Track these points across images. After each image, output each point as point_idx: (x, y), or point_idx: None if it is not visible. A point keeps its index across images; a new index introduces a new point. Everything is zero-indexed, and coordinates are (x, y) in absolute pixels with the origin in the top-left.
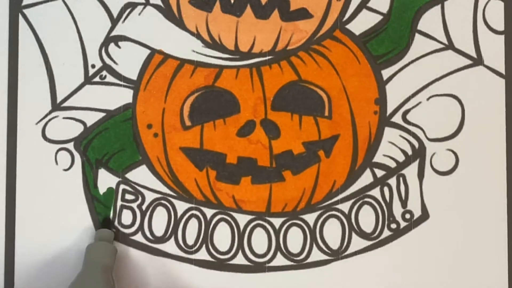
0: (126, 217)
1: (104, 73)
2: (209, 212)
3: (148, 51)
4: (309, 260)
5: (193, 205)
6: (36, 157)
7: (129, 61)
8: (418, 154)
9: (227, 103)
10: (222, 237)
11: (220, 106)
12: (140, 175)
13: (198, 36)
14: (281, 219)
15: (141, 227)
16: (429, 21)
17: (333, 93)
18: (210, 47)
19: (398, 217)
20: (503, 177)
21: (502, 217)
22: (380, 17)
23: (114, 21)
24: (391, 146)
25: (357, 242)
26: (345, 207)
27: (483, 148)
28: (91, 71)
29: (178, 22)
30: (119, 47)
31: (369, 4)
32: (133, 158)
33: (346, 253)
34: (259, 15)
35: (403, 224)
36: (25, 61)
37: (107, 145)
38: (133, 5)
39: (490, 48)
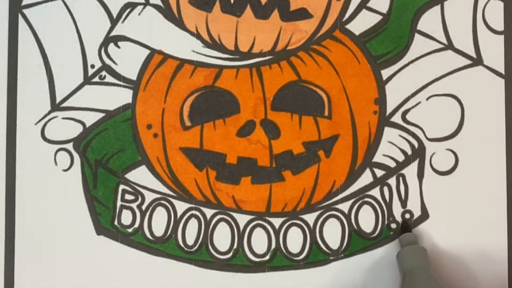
0: (126, 217)
1: (103, 73)
2: (209, 212)
3: (147, 51)
4: (309, 260)
5: (193, 205)
6: (36, 157)
7: (128, 61)
8: (418, 154)
9: (227, 103)
10: (222, 237)
11: (220, 106)
12: (140, 175)
13: (198, 36)
14: (281, 219)
15: (141, 227)
16: (429, 21)
17: (333, 93)
18: (210, 47)
19: (398, 217)
20: (503, 177)
21: (502, 217)
22: (380, 17)
23: (114, 21)
24: (390, 146)
25: (357, 242)
26: (345, 207)
27: (482, 148)
28: (91, 71)
29: (178, 22)
30: (118, 47)
31: (369, 4)
32: (133, 159)
33: (346, 253)
34: (259, 15)
35: None
36: (25, 61)
37: (106, 145)
38: (132, 5)
39: (490, 48)
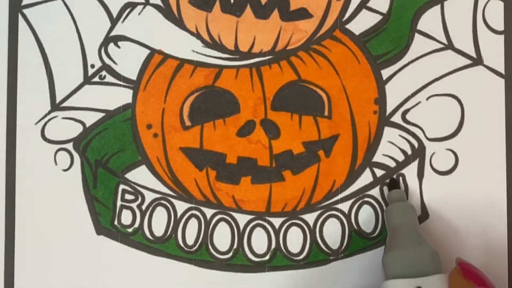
0: (126, 217)
1: (103, 73)
2: (209, 212)
3: (147, 51)
4: (309, 260)
5: (193, 205)
6: (35, 157)
7: (128, 61)
8: (418, 153)
9: (227, 103)
10: (222, 237)
11: (220, 106)
12: (140, 175)
13: (198, 36)
14: (281, 219)
15: (141, 227)
16: (429, 21)
17: (332, 93)
18: (210, 47)
19: None
20: (503, 177)
21: (502, 217)
22: (380, 17)
23: (114, 21)
24: (390, 146)
25: (357, 242)
26: (345, 206)
27: (482, 147)
28: (91, 71)
29: (178, 22)
30: (118, 47)
31: (369, 4)
32: (133, 159)
33: (346, 253)
34: (259, 15)
35: None
36: (25, 61)
37: (106, 145)
38: (132, 5)
39: (490, 48)
